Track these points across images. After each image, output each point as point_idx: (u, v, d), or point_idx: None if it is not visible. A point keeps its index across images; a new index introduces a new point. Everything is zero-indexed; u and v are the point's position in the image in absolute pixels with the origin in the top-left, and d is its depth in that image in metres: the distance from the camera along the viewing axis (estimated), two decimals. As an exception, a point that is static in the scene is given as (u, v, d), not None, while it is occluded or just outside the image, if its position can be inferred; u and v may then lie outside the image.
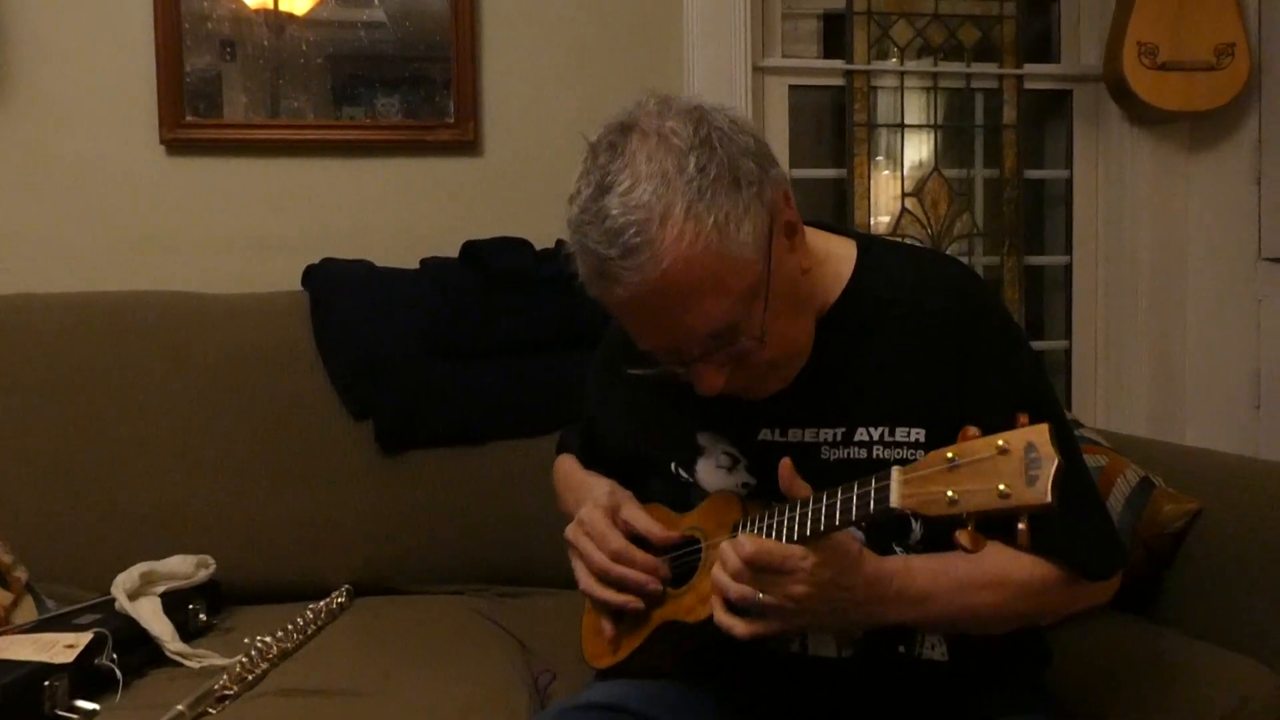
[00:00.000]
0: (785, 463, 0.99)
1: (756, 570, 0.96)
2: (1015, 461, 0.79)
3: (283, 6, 2.13)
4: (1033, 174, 2.55)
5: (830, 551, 0.96)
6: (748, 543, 0.96)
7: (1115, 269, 2.49)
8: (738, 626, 0.99)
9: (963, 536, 0.81)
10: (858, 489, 0.90)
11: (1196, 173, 2.45)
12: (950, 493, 0.81)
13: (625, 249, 0.94)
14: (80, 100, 2.07)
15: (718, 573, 0.99)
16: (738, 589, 0.97)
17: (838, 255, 1.14)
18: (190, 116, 2.11)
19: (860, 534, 1.07)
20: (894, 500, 0.85)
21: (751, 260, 0.97)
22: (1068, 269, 2.55)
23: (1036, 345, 2.56)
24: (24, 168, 2.06)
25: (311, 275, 1.97)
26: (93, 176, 2.08)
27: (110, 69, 2.08)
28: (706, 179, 0.95)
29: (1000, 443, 0.80)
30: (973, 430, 0.83)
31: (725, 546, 0.98)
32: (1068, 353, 2.55)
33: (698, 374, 1.02)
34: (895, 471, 0.86)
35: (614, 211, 0.94)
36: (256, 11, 2.12)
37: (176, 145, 2.10)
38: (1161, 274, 2.44)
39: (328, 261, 2.00)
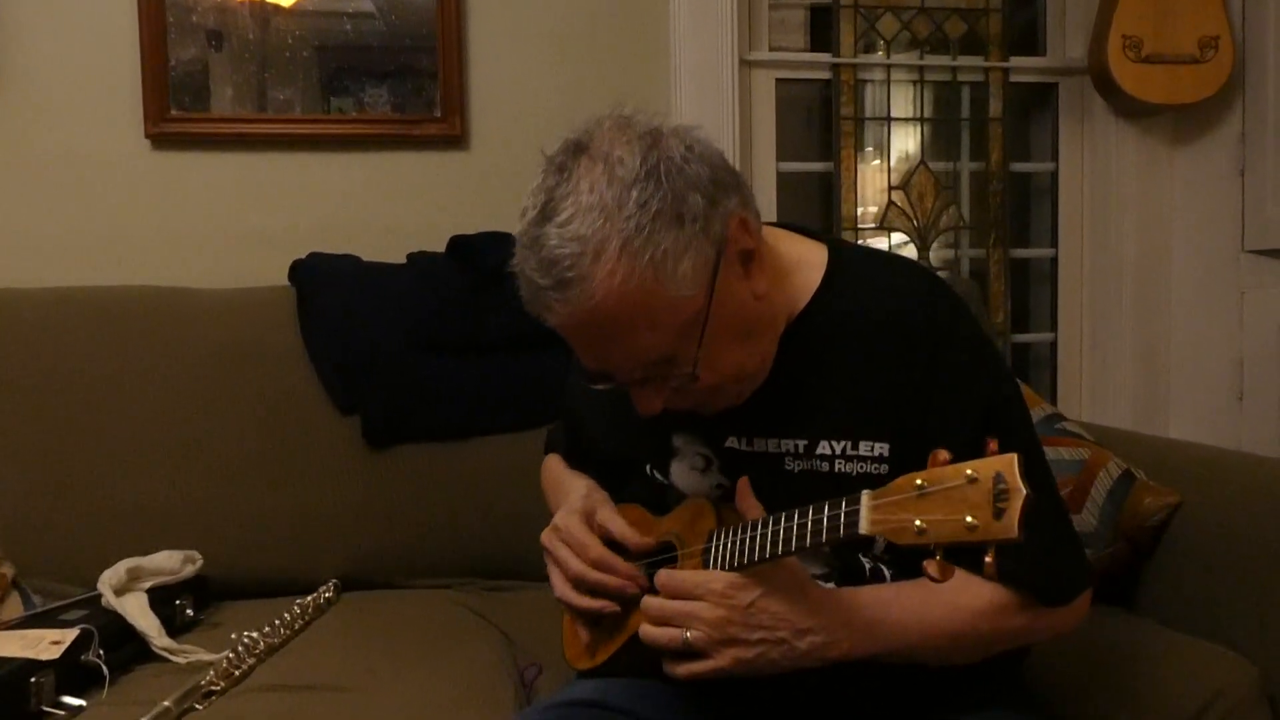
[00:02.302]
0: (743, 481, 1.01)
1: (670, 595, 0.99)
2: (983, 492, 0.79)
3: (283, 14, 2.12)
4: (1018, 167, 2.56)
5: (753, 576, 0.98)
6: (661, 573, 1.01)
7: (1100, 261, 2.50)
8: (678, 668, 1.00)
9: (931, 566, 0.81)
10: (828, 511, 0.90)
11: (1181, 165, 2.46)
12: (918, 521, 0.82)
13: (558, 281, 0.94)
14: (64, 94, 2.06)
15: (644, 626, 1.01)
16: (664, 633, 0.99)
17: (808, 263, 1.12)
18: (175, 110, 2.10)
19: (825, 548, 1.09)
20: (863, 527, 0.85)
21: (690, 297, 0.96)
22: (1053, 261, 2.56)
23: (1022, 338, 2.58)
24: (8, 162, 2.05)
25: (298, 270, 1.96)
26: (77, 171, 2.07)
27: (94, 62, 2.07)
28: (647, 214, 0.93)
29: (969, 471, 0.80)
30: (943, 455, 0.83)
31: (646, 599, 1.02)
32: (1053, 345, 2.56)
33: (635, 397, 1.03)
34: (865, 496, 0.86)
35: (551, 242, 0.94)
36: (242, 3, 2.11)
37: (161, 139, 2.10)
38: (1146, 266, 2.46)
39: (314, 256, 1.99)
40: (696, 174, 0.97)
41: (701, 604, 0.98)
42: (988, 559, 0.79)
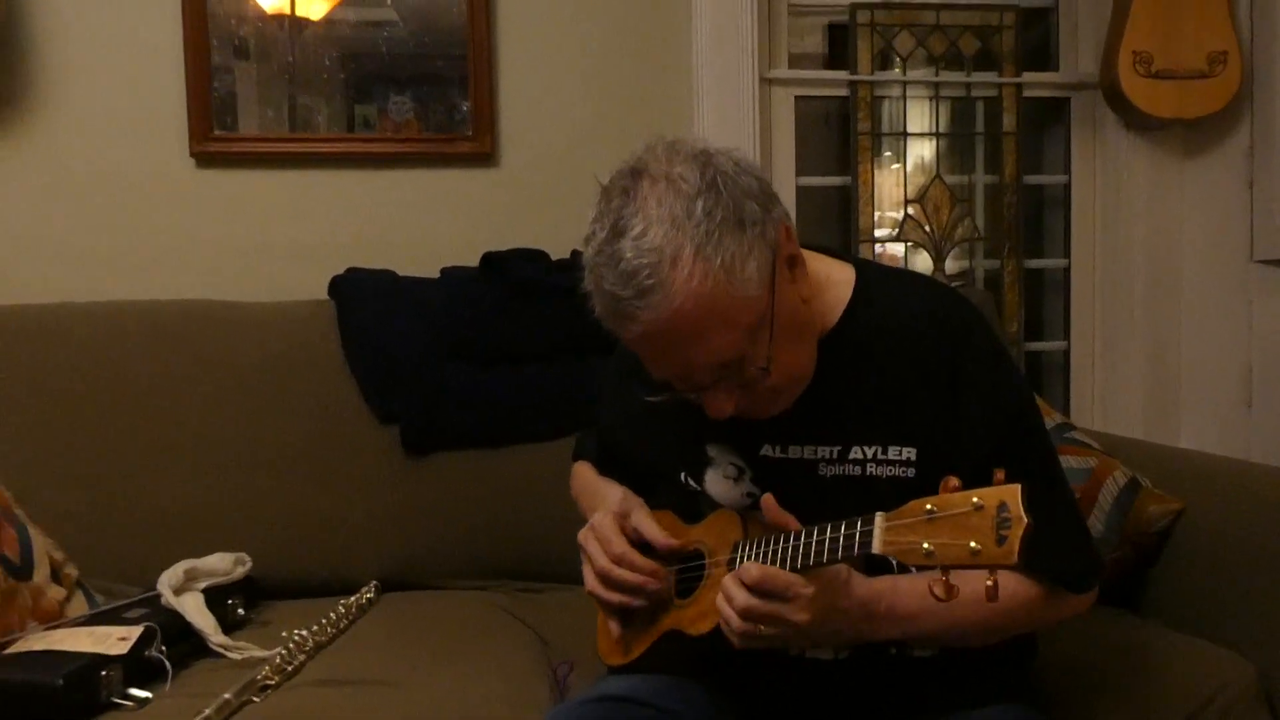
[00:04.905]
0: (768, 498, 1.07)
1: (761, 594, 1.03)
2: (988, 519, 0.85)
3: (301, 13, 2.20)
4: (1032, 179, 2.61)
5: (827, 580, 1.04)
6: (754, 569, 1.03)
7: (1112, 271, 2.56)
8: (736, 640, 1.07)
9: (936, 586, 0.88)
10: (845, 530, 0.98)
11: (1190, 177, 2.51)
12: (926, 544, 0.88)
13: (639, 290, 1.00)
14: (113, 115, 2.15)
15: (722, 605, 1.06)
16: (740, 625, 1.04)
17: (837, 281, 1.19)
18: (218, 130, 2.19)
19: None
20: (876, 546, 0.93)
21: (756, 296, 1.04)
22: (1066, 271, 2.62)
23: (1035, 346, 2.63)
24: (61, 181, 2.14)
25: (338, 284, 2.04)
26: (126, 189, 2.16)
27: (141, 85, 2.16)
28: (713, 222, 1.01)
29: (975, 500, 0.86)
30: (954, 481, 0.89)
31: (729, 582, 1.05)
32: (1066, 353, 2.61)
33: (707, 400, 1.09)
34: (879, 518, 0.93)
35: (628, 254, 1.01)
36: (280, 26, 2.19)
37: (205, 158, 2.19)
38: (1156, 276, 2.51)
39: (353, 271, 2.07)
40: (748, 184, 1.06)
41: (789, 605, 1.03)
42: (989, 582, 0.86)
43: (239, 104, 2.21)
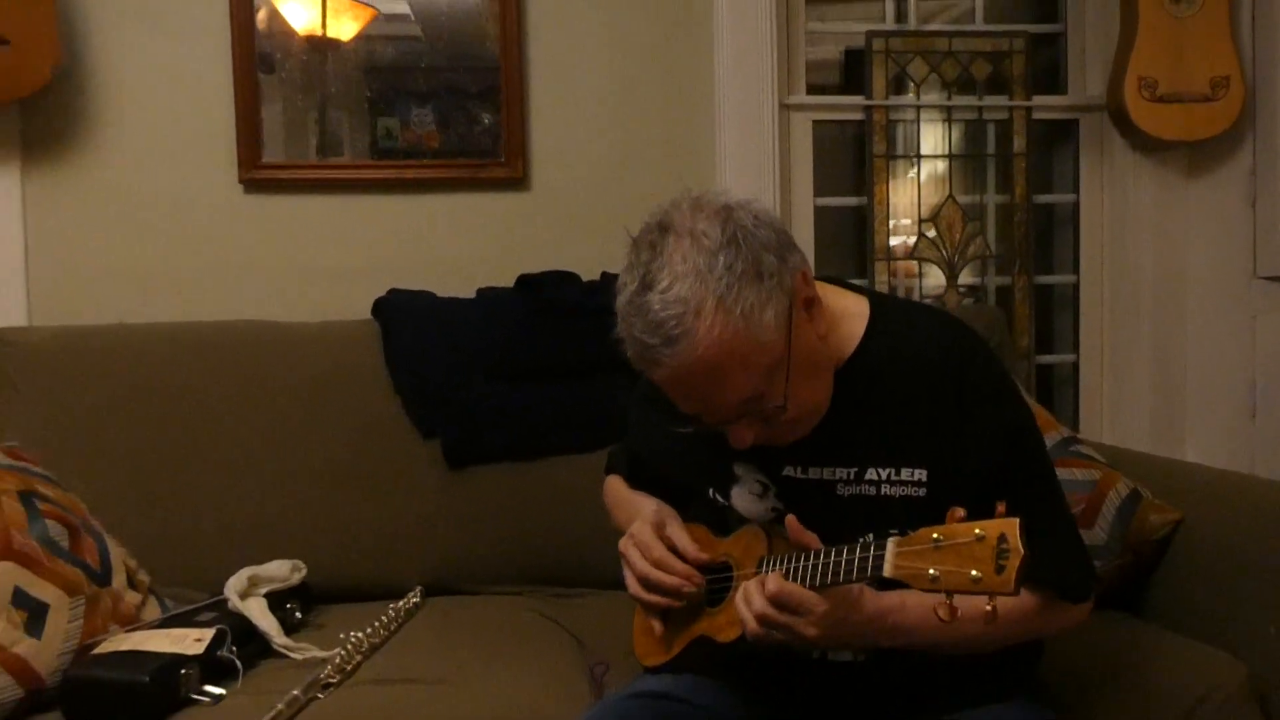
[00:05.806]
0: (791, 519, 1.16)
1: (777, 606, 1.12)
2: (988, 549, 0.94)
3: (332, 35, 2.33)
4: (1041, 199, 2.71)
5: (840, 597, 1.14)
6: (772, 581, 1.13)
7: (1119, 287, 2.65)
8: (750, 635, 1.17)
9: (941, 609, 0.98)
10: (859, 553, 1.07)
11: (1195, 197, 2.60)
12: (933, 570, 0.97)
13: (666, 339, 1.10)
14: (166, 145, 2.28)
15: (741, 606, 1.16)
16: (754, 629, 1.14)
17: (852, 314, 1.29)
18: (265, 158, 2.31)
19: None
20: (886, 570, 1.03)
21: (774, 340, 1.14)
22: (1075, 288, 2.70)
23: (1045, 359, 2.73)
24: (119, 209, 2.27)
25: (380, 306, 2.15)
26: (179, 215, 2.29)
27: (193, 116, 2.29)
28: (734, 275, 1.10)
29: (978, 530, 0.95)
30: (959, 512, 0.99)
31: (750, 585, 1.15)
32: (1075, 366, 2.70)
33: (730, 432, 1.20)
34: (890, 544, 1.03)
35: (655, 307, 1.10)
36: (310, 43, 2.31)
37: (253, 184, 2.31)
38: (1162, 292, 2.60)
39: (394, 292, 2.18)
40: (766, 238, 1.15)
41: (802, 620, 1.13)
42: (988, 606, 0.96)
43: (283, 131, 2.33)
